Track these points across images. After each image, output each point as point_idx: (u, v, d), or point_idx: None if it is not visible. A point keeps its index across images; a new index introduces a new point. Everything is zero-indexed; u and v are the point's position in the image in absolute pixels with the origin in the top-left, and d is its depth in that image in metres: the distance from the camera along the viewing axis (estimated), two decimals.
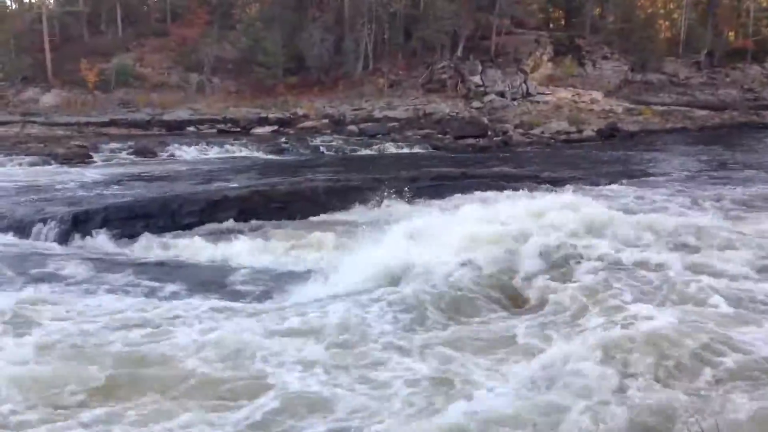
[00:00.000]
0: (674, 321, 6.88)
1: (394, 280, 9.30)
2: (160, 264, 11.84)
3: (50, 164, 23.59)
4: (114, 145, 27.52)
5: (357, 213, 15.30)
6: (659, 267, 9.05)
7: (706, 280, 8.31)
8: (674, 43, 46.55)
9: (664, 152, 26.56)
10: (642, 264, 9.19)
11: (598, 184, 17.24)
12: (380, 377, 6.42)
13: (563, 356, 6.38)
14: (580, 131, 32.87)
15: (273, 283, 10.62)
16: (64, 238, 13.23)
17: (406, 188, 16.26)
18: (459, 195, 15.83)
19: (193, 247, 12.80)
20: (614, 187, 17.07)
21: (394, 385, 6.26)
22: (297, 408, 5.87)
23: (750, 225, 12.20)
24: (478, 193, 15.86)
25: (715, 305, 7.66)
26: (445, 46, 39.86)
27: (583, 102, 38.53)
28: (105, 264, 11.53)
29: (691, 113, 38.97)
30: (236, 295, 9.80)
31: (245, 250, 12.59)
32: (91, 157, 25.35)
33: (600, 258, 9.42)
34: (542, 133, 32.49)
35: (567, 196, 13.40)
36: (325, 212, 15.31)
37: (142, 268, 11.40)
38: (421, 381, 6.30)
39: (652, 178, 18.59)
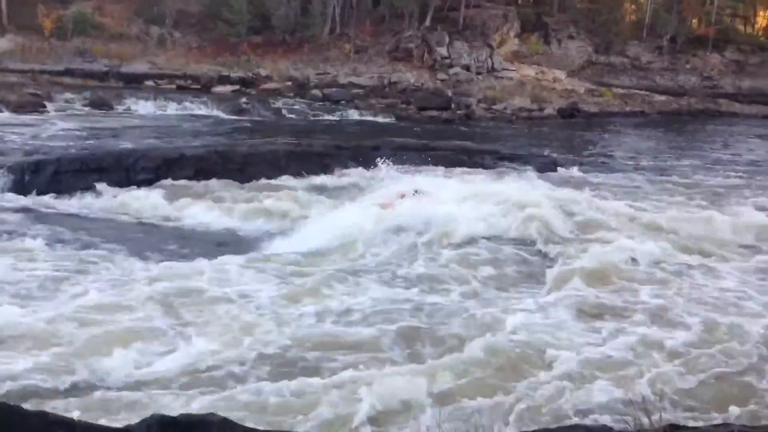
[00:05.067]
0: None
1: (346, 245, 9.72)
2: (109, 220, 11.71)
3: (1, 111, 22.82)
4: (69, 95, 26.73)
5: (317, 179, 15.20)
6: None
7: None
8: (639, 27, 46.97)
9: (620, 135, 26.97)
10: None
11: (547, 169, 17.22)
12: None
13: None
14: (541, 109, 33.12)
15: (228, 242, 10.65)
16: (11, 188, 12.89)
17: (367, 157, 16.23)
18: (417, 167, 15.85)
19: (146, 204, 12.63)
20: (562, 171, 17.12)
21: None
22: None
23: (660, 213, 12.38)
24: (440, 168, 16.02)
25: None
26: (413, 15, 39.49)
27: (546, 80, 38.76)
28: (51, 216, 11.39)
29: (650, 97, 39.56)
30: (186, 255, 9.77)
31: (200, 209, 12.50)
32: (44, 106, 24.58)
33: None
34: (504, 108, 32.65)
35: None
36: (284, 176, 15.18)
37: (88, 222, 11.30)
38: None
39: (600, 162, 18.76)
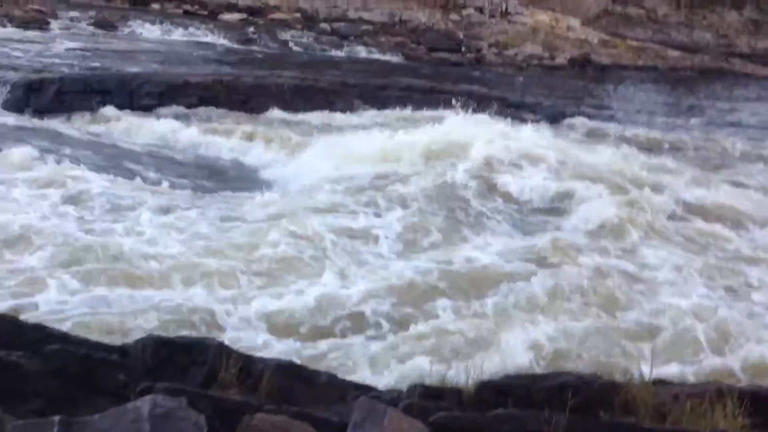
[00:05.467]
0: None
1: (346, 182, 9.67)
2: (113, 146, 11.66)
3: (5, 26, 22.44)
4: (73, 13, 26.24)
5: (322, 115, 15.06)
6: None
7: None
8: None
9: (631, 89, 26.60)
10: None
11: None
12: None
13: None
14: (552, 58, 32.59)
15: (228, 173, 10.66)
16: (12, 105, 12.78)
17: (373, 96, 16.09)
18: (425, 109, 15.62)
19: (148, 129, 12.59)
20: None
21: None
22: None
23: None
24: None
25: None
26: None
27: (560, 28, 37.98)
28: (52, 135, 11.34)
29: (663, 52, 38.84)
30: (185, 184, 9.78)
31: (203, 138, 12.48)
32: (48, 23, 24.14)
33: None
34: (516, 55, 32.11)
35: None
36: (288, 110, 15.02)
37: (89, 144, 11.27)
38: None
39: (606, 114, 18.45)
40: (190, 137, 12.36)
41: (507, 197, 9.72)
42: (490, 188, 9.89)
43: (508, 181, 9.97)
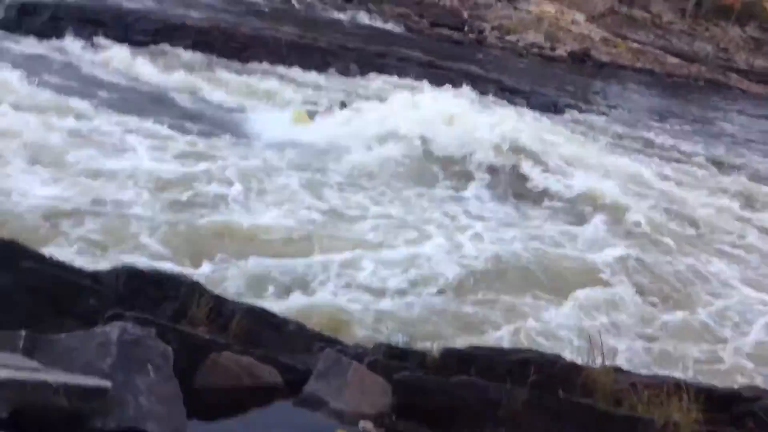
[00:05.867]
0: None
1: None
2: (101, 81, 11.52)
3: None
4: None
5: (316, 75, 14.93)
6: None
7: None
8: None
9: (626, 90, 26.66)
10: None
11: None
12: None
13: None
14: (553, 49, 32.51)
15: (218, 117, 10.62)
16: (4, 25, 12.55)
17: (370, 62, 15.97)
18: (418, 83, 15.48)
19: (136, 64, 12.44)
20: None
21: None
22: None
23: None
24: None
25: None
26: None
27: (565, 20, 37.87)
28: (36, 56, 11.18)
29: (663, 58, 38.96)
30: (177, 126, 9.68)
31: (195, 80, 12.36)
32: None
33: None
34: (517, 41, 31.98)
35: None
36: (283, 65, 14.88)
37: (74, 69, 11.15)
38: None
39: (598, 109, 18.51)
40: (178, 78, 12.23)
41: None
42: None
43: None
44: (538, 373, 3.16)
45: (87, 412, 2.38)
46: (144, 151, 8.00)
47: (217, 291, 3.85)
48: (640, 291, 7.04)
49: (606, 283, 6.95)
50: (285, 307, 5.00)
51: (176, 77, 12.19)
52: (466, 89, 14.82)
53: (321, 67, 15.35)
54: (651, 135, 16.45)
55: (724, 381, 5.06)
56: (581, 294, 6.52)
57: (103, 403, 2.41)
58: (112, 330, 2.70)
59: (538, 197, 9.59)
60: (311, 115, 11.02)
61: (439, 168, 9.81)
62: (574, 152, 11.50)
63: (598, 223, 8.80)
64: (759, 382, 5.29)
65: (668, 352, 5.90)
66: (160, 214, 6.45)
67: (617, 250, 7.86)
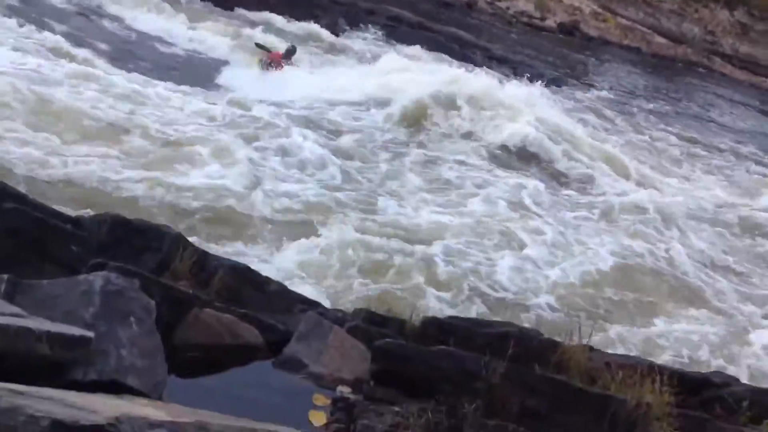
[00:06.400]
0: None
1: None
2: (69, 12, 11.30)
3: None
4: None
5: (302, 27, 14.71)
6: None
7: None
8: None
9: (612, 68, 26.68)
10: None
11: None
12: None
13: None
14: (542, 19, 32.28)
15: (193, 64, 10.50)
16: None
17: (359, 19, 15.78)
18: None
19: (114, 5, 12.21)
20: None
21: None
22: None
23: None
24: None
25: None
26: None
27: None
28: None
29: (650, 37, 38.94)
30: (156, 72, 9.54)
31: (174, 23, 12.20)
32: None
33: None
34: (507, 9, 31.66)
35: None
36: (268, 12, 14.67)
37: (65, 17, 10.89)
38: None
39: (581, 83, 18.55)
40: (155, 21, 12.08)
41: None
42: None
43: None
44: (517, 348, 3.20)
45: (69, 361, 2.35)
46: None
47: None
48: None
49: None
50: None
51: (159, 22, 12.02)
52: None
53: (309, 19, 15.14)
54: (637, 119, 16.52)
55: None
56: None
57: (85, 353, 2.39)
58: (96, 279, 2.67)
59: None
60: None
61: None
62: None
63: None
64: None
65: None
66: None
67: None
